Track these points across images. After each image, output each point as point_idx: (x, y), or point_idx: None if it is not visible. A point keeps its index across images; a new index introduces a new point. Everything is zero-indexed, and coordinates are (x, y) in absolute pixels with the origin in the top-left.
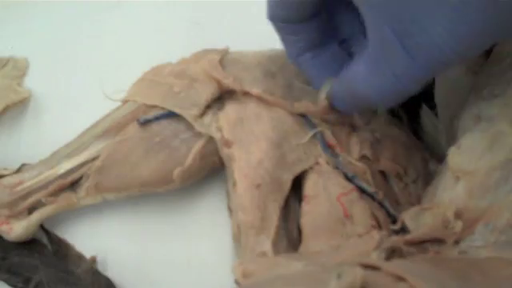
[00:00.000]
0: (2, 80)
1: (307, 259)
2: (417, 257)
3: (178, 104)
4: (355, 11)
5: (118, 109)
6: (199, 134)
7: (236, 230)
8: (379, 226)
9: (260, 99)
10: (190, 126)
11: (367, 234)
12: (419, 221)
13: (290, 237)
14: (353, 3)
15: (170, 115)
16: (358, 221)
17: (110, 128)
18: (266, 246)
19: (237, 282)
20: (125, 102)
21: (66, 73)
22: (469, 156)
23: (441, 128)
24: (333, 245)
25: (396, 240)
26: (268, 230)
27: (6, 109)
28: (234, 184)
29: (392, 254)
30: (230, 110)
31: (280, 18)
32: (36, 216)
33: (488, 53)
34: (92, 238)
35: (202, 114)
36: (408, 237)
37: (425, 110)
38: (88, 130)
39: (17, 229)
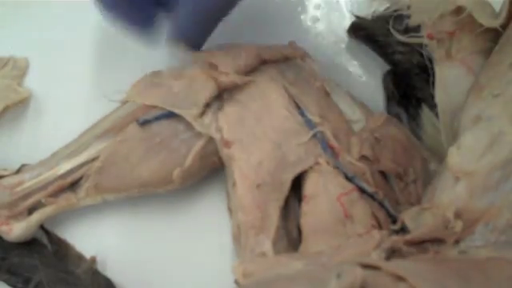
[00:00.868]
0: (2, 80)
1: (307, 259)
2: (417, 257)
3: (178, 104)
4: None
5: (117, 109)
6: (199, 135)
7: (236, 230)
8: (379, 226)
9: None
10: (189, 127)
11: (367, 234)
12: (419, 221)
13: (290, 237)
14: None
15: (170, 115)
16: (358, 221)
17: (110, 128)
18: (266, 246)
19: (237, 282)
20: (124, 102)
21: (66, 73)
22: (469, 156)
23: (441, 128)
24: (333, 245)
25: (396, 240)
26: (268, 230)
27: (6, 109)
28: (234, 184)
29: (392, 253)
30: (230, 110)
31: None
32: (36, 216)
33: (488, 53)
34: (92, 238)
35: (202, 114)
36: (408, 237)
37: (425, 110)
38: (88, 130)
39: (17, 229)
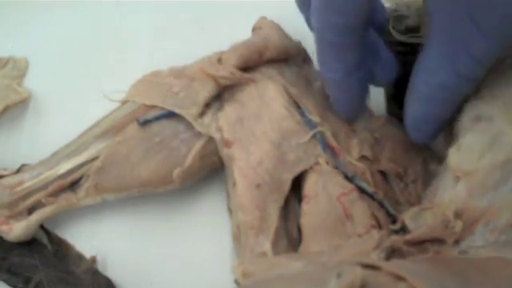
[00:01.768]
0: (2, 80)
1: (307, 259)
2: (417, 257)
3: (178, 104)
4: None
5: (117, 109)
6: (199, 134)
7: (236, 230)
8: (379, 226)
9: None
10: (189, 126)
11: (367, 234)
12: (419, 221)
13: (290, 237)
14: None
15: (170, 115)
16: (358, 221)
17: (110, 128)
18: (266, 246)
19: (237, 282)
20: (124, 102)
21: (66, 73)
22: (469, 156)
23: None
24: (333, 245)
25: (396, 240)
26: (268, 230)
27: (6, 109)
28: (234, 184)
29: (392, 253)
30: (230, 109)
31: (337, 27)
32: (36, 216)
33: None
34: (92, 238)
35: (202, 114)
36: (408, 237)
37: None
38: (88, 130)
39: (16, 229)
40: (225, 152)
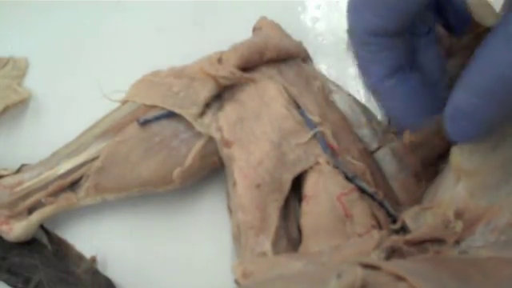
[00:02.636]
0: (2, 80)
1: (307, 259)
2: (417, 257)
3: (178, 103)
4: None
5: (117, 109)
6: (199, 134)
7: (236, 230)
8: (379, 226)
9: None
10: (189, 126)
11: (367, 234)
12: (419, 221)
13: (290, 237)
14: None
15: (170, 115)
16: (358, 221)
17: (110, 128)
18: (266, 246)
19: (237, 282)
20: (124, 102)
21: (66, 73)
22: (471, 156)
23: None
24: (333, 245)
25: (396, 240)
26: (268, 230)
27: (6, 109)
28: (234, 184)
29: (392, 253)
30: (230, 109)
31: (377, 30)
32: (36, 216)
33: None
34: (92, 238)
35: (202, 114)
36: (408, 237)
37: None
38: (88, 130)
39: (17, 229)
40: (225, 152)
